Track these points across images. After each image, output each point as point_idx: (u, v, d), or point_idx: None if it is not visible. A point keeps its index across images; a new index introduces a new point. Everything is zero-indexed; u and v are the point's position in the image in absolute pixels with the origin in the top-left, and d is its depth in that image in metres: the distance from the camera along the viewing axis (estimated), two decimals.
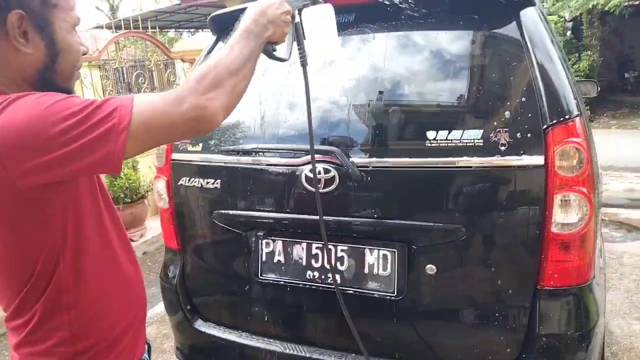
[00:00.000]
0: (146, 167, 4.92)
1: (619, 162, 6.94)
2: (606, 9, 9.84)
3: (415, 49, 1.69)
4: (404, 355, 1.71)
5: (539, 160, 1.48)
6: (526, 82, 1.53)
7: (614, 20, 11.63)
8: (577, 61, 11.02)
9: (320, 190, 1.66)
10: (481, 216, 1.57)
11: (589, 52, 11.03)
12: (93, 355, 1.03)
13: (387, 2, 1.69)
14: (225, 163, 1.88)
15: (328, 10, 1.22)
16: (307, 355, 1.81)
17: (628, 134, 9.67)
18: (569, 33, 11.60)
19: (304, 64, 1.21)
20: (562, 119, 1.48)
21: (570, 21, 12.01)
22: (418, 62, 1.68)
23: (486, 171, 1.54)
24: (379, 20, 1.74)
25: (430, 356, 1.71)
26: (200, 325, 2.04)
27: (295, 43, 1.19)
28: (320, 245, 1.77)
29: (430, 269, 1.62)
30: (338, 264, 1.74)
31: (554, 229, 1.50)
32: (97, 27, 13.76)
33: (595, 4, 9.89)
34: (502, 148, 1.50)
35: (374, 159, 1.64)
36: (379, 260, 1.69)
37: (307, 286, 1.79)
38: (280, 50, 1.15)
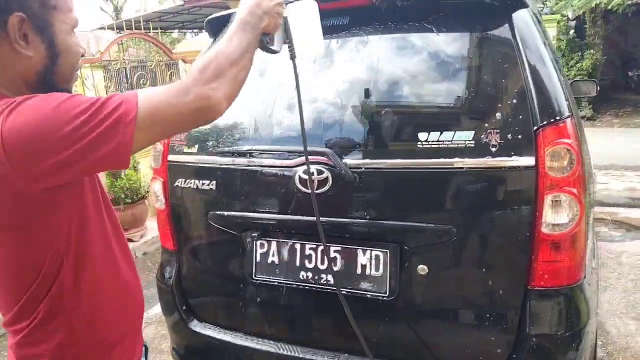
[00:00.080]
0: (147, 167, 4.94)
1: (620, 160, 6.92)
2: (609, 7, 9.80)
3: (408, 51, 1.70)
4: (396, 355, 1.72)
5: (529, 161, 1.49)
6: (517, 83, 1.54)
7: (617, 19, 11.59)
8: (580, 60, 10.99)
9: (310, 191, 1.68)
10: (472, 217, 1.58)
11: (592, 51, 11.00)
12: (91, 358, 1.05)
13: (380, 5, 1.71)
14: (220, 164, 1.90)
15: (312, 6, 1.24)
16: (301, 355, 1.82)
17: (630, 132, 9.64)
18: (572, 32, 11.55)
19: (292, 57, 1.23)
20: (552, 120, 1.49)
21: (573, 20, 11.96)
22: (411, 64, 1.69)
23: (477, 172, 1.55)
24: (373, 23, 1.75)
25: (422, 356, 1.72)
26: (196, 326, 2.06)
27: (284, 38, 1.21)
28: (314, 246, 1.78)
29: (422, 269, 1.63)
30: (331, 264, 1.75)
31: (544, 230, 1.51)
32: (100, 28, 13.82)
33: (598, 2, 9.87)
34: (493, 149, 1.51)
35: (366, 160, 1.65)
36: (371, 261, 1.70)
37: (301, 287, 1.80)
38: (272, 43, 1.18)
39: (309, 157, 1.66)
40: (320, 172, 1.67)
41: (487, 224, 1.58)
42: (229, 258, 1.97)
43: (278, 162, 1.78)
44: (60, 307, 0.99)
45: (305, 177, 1.69)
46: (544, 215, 1.50)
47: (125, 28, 5.62)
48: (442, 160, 1.56)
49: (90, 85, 4.92)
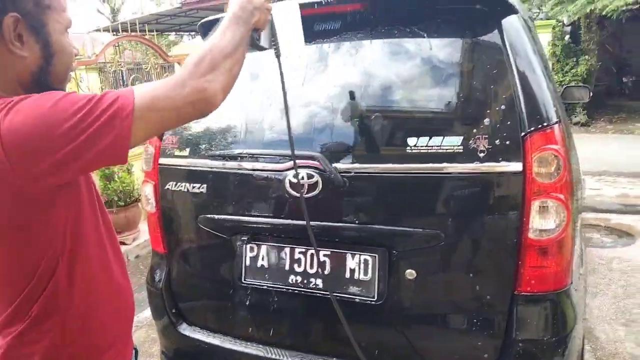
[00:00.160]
0: (140, 170, 4.93)
1: (613, 167, 6.97)
2: (604, 13, 9.87)
3: (398, 57, 1.70)
4: (384, 359, 1.72)
5: (517, 166, 1.50)
6: (506, 89, 1.55)
7: (612, 25, 11.67)
8: (575, 65, 11.06)
9: (304, 196, 1.68)
10: (460, 222, 1.58)
11: (586, 57, 11.06)
12: (83, 358, 1.05)
13: (371, 11, 1.72)
14: (211, 168, 1.90)
15: (294, 7, 1.27)
16: (290, 359, 1.82)
17: (624, 138, 9.71)
18: (567, 37, 11.62)
19: (277, 55, 1.25)
20: (540, 126, 1.50)
21: (568, 25, 12.05)
22: (401, 69, 1.69)
23: (465, 177, 1.55)
24: (363, 28, 1.76)
25: None
26: (185, 329, 2.05)
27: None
28: (303, 250, 1.79)
29: (410, 273, 1.64)
30: (320, 268, 1.75)
31: (531, 235, 1.52)
32: (96, 30, 13.81)
33: (592, 8, 9.93)
34: (482, 155, 1.52)
35: (356, 165, 1.66)
36: (360, 265, 1.71)
37: (290, 291, 1.80)
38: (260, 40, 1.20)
39: (299, 161, 1.68)
40: (310, 176, 1.68)
41: (474, 229, 1.58)
42: (218, 262, 1.97)
43: (268, 166, 1.79)
44: (54, 307, 0.98)
45: (295, 181, 1.69)
46: (531, 220, 1.51)
47: (121, 30, 5.63)
48: (430, 165, 1.56)
49: (85, 87, 4.91)
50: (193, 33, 17.62)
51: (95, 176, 3.63)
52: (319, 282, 1.76)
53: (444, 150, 1.55)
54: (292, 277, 1.80)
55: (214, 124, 1.98)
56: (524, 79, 1.53)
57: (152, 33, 6.11)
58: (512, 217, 1.53)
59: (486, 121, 1.53)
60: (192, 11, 13.97)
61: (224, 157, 1.87)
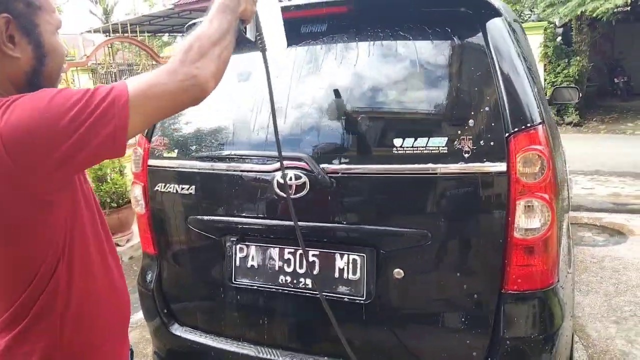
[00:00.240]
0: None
1: (605, 166, 7.02)
2: (594, 15, 9.94)
3: (383, 59, 1.72)
4: (373, 358, 1.74)
5: (501, 167, 1.51)
6: (490, 91, 1.56)
7: (604, 26, 11.74)
8: (567, 66, 11.12)
9: (292, 196, 1.69)
10: (447, 222, 1.60)
11: (578, 58, 11.13)
12: (80, 358, 1.05)
13: (356, 13, 1.73)
14: (199, 169, 1.91)
15: (275, 4, 1.28)
16: (280, 358, 1.83)
17: (616, 138, 9.77)
18: (559, 39, 11.69)
19: (263, 49, 1.26)
20: (524, 126, 1.51)
21: (560, 27, 12.12)
22: (386, 71, 1.71)
23: (451, 178, 1.57)
24: (349, 31, 1.77)
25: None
26: (177, 330, 2.06)
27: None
28: (292, 250, 1.80)
29: (398, 273, 1.65)
30: (309, 268, 1.76)
31: (516, 234, 1.53)
32: (88, 31, 13.77)
33: (583, 10, 9.99)
34: (466, 155, 1.54)
35: (343, 166, 1.67)
36: (349, 265, 1.72)
37: (280, 291, 1.81)
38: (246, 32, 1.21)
39: (287, 162, 1.69)
40: (297, 177, 1.69)
41: (461, 228, 1.60)
42: (208, 262, 1.98)
43: (256, 167, 1.80)
44: (53, 306, 0.99)
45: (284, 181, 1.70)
46: (517, 220, 1.53)
47: (112, 31, 5.62)
48: (416, 165, 1.58)
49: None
50: (185, 34, 17.60)
51: (88, 178, 3.62)
52: (309, 282, 1.77)
53: (430, 151, 1.57)
54: (281, 277, 1.81)
55: (202, 125, 1.99)
56: (508, 81, 1.55)
57: (145, 34, 6.10)
58: (497, 217, 1.55)
59: (470, 122, 1.54)
60: (184, 12, 13.97)
61: (213, 159, 1.88)
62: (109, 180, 4.58)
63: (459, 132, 1.55)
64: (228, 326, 1.97)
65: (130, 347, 1.23)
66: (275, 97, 1.81)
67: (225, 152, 1.86)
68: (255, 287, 1.86)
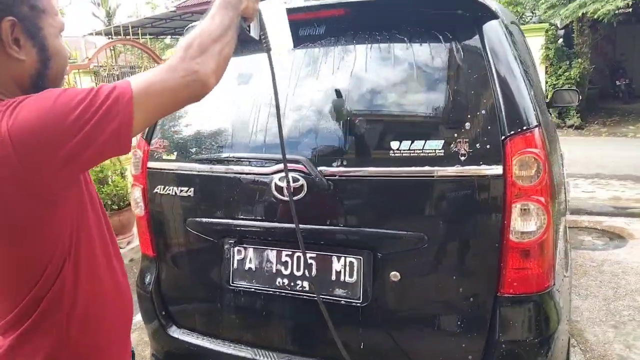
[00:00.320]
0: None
1: (606, 169, 7.02)
2: (596, 16, 9.94)
3: (380, 62, 1.72)
4: None
5: (497, 170, 1.52)
6: (486, 94, 1.57)
7: (605, 28, 11.74)
8: (568, 69, 11.12)
9: (289, 198, 1.70)
10: (443, 225, 1.60)
11: (579, 60, 11.13)
12: (85, 359, 1.06)
13: (353, 16, 1.74)
14: (198, 172, 1.92)
15: (280, 4, 1.29)
16: None
17: (617, 141, 9.76)
18: (560, 40, 11.69)
19: (268, 49, 1.26)
20: (520, 129, 1.52)
21: (561, 29, 12.12)
22: (383, 74, 1.71)
23: (447, 180, 1.57)
24: (347, 33, 1.78)
25: None
26: (174, 332, 2.07)
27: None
28: (290, 253, 1.80)
29: (395, 275, 1.66)
30: (306, 271, 1.77)
31: (512, 237, 1.54)
32: (90, 34, 13.81)
33: (584, 12, 10.00)
34: (462, 158, 1.54)
35: (340, 168, 1.68)
36: (345, 267, 1.72)
37: (277, 293, 1.82)
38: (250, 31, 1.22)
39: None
40: (295, 180, 1.70)
41: (457, 231, 1.61)
42: (207, 264, 1.99)
43: (255, 170, 1.81)
44: (59, 305, 1.00)
45: (281, 184, 1.71)
46: (513, 223, 1.53)
47: (114, 34, 5.65)
48: (413, 168, 1.59)
49: None
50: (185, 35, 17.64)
51: None
52: (306, 284, 1.78)
53: (426, 154, 1.57)
54: (279, 279, 1.82)
55: (201, 127, 2.00)
56: (504, 84, 1.55)
57: (147, 37, 6.12)
58: (494, 220, 1.55)
59: (467, 125, 1.55)
60: (186, 15, 14.02)
61: (211, 161, 1.89)
62: (110, 183, 4.59)
63: (456, 135, 1.55)
64: (226, 328, 1.97)
65: (132, 350, 1.24)
66: (274, 100, 1.83)
67: (224, 155, 1.87)
68: (253, 290, 1.86)
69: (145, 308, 2.15)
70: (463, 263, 1.62)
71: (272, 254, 1.83)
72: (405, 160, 1.59)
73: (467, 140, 1.54)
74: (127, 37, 5.58)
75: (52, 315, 1.00)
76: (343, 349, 1.59)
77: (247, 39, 1.20)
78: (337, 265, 1.74)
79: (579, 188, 6.21)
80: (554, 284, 1.64)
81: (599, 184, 6.41)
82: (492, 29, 1.65)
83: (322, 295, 1.73)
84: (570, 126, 11.19)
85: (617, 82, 13.88)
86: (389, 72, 1.70)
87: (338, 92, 1.73)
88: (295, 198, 1.69)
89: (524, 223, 1.53)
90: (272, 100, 1.80)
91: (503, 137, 1.52)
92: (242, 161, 1.84)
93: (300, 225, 1.66)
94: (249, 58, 1.91)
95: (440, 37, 1.66)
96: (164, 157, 2.01)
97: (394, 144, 1.61)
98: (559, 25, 11.79)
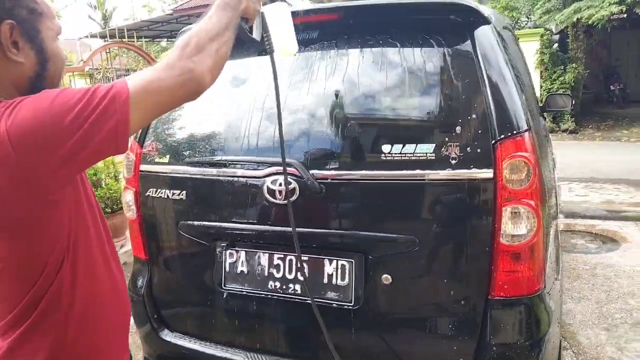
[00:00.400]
0: None
1: (600, 173, 7.05)
2: (590, 22, 10.01)
3: (373, 66, 1.73)
4: None
5: (488, 173, 1.53)
6: (477, 98, 1.58)
7: (600, 33, 11.83)
8: (563, 73, 11.19)
9: (281, 202, 1.71)
10: (434, 227, 1.61)
11: (574, 65, 11.20)
12: (84, 358, 1.06)
13: (346, 21, 1.75)
14: (190, 175, 1.92)
15: (285, 8, 1.29)
16: None
17: (611, 145, 9.82)
18: (555, 45, 11.76)
19: (270, 51, 1.26)
20: (510, 133, 1.53)
21: (557, 34, 12.20)
22: (376, 78, 1.72)
23: (438, 184, 1.58)
24: (339, 38, 1.79)
25: None
26: (167, 335, 2.06)
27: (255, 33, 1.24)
28: (282, 256, 1.80)
29: (386, 278, 1.66)
30: (299, 274, 1.77)
31: (502, 240, 1.54)
32: (86, 37, 13.80)
33: (579, 17, 10.07)
34: (453, 162, 1.55)
35: (332, 172, 1.68)
36: (337, 270, 1.73)
37: (269, 296, 1.82)
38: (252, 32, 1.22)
39: (277, 167, 1.70)
40: (287, 183, 1.69)
41: (448, 234, 1.61)
42: (199, 268, 1.99)
43: (247, 173, 1.81)
44: (58, 305, 1.00)
45: (273, 187, 1.72)
46: (503, 226, 1.54)
47: (110, 37, 5.65)
48: (404, 172, 1.59)
49: None
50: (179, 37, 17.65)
51: None
52: (298, 287, 1.78)
53: (417, 157, 1.58)
54: (271, 282, 1.82)
55: (193, 130, 2.00)
56: (495, 88, 1.56)
57: (143, 40, 6.13)
58: (484, 223, 1.56)
59: (458, 129, 1.56)
60: (183, 18, 14.02)
61: (204, 164, 1.89)
62: (103, 186, 4.58)
63: (447, 138, 1.56)
64: (218, 332, 1.97)
65: (130, 353, 1.24)
66: (267, 103, 1.83)
67: (216, 158, 1.87)
68: (245, 293, 1.86)
69: (138, 311, 2.14)
70: (454, 266, 1.63)
71: (264, 257, 1.83)
72: (397, 164, 1.60)
73: (458, 144, 1.55)
74: (123, 39, 5.57)
75: (51, 315, 1.00)
76: (335, 352, 1.59)
77: (248, 40, 1.20)
78: (329, 268, 1.74)
79: (572, 192, 6.24)
80: (545, 287, 1.65)
81: (592, 187, 6.44)
82: (484, 35, 1.66)
83: (315, 298, 1.73)
84: (565, 130, 11.24)
85: (612, 87, 13.98)
86: (381, 76, 1.71)
87: (330, 96, 1.74)
88: (286, 201, 1.70)
89: (514, 226, 1.54)
90: (265, 103, 1.83)
91: (493, 141, 1.53)
92: (234, 164, 1.84)
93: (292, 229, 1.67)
94: (241, 61, 1.91)
95: (432, 42, 1.67)
96: (157, 160, 2.01)
97: (386, 148, 1.62)
98: (554, 30, 11.86)
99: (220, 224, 1.87)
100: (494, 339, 1.60)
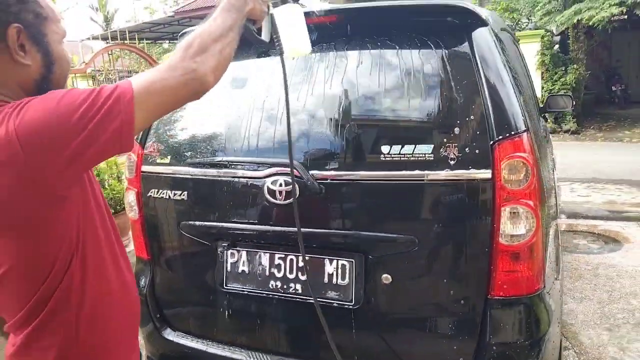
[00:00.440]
0: None
1: (602, 174, 7.05)
2: (591, 23, 10.01)
3: (371, 68, 1.74)
4: None
5: (486, 174, 1.54)
6: (476, 99, 1.59)
7: (600, 35, 11.82)
8: (564, 74, 11.19)
9: (282, 202, 1.72)
10: (434, 228, 1.62)
11: (575, 66, 11.20)
12: (94, 358, 1.08)
13: (344, 23, 1.76)
14: (192, 175, 1.93)
15: (297, 9, 1.29)
16: None
17: (613, 146, 9.81)
18: (556, 47, 11.76)
19: (280, 52, 1.26)
20: (508, 134, 1.54)
21: (557, 35, 12.20)
22: (374, 80, 1.73)
23: (437, 184, 1.59)
24: (337, 40, 1.81)
25: None
26: (169, 335, 2.08)
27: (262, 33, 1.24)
28: (283, 256, 1.82)
29: (386, 278, 1.67)
30: (299, 273, 1.78)
31: (502, 240, 1.55)
32: (88, 39, 13.84)
33: (580, 19, 10.07)
34: (452, 162, 1.56)
35: (332, 172, 1.70)
36: (337, 270, 1.74)
37: (270, 296, 1.83)
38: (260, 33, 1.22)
39: (277, 168, 1.72)
40: (288, 183, 1.71)
41: (448, 234, 1.62)
42: (201, 267, 2.00)
43: (248, 173, 1.82)
44: (68, 302, 1.02)
45: (274, 188, 1.73)
46: (502, 226, 1.55)
47: (112, 39, 5.67)
48: (403, 172, 1.60)
49: None
50: (179, 40, 17.68)
51: None
52: (299, 287, 1.79)
53: (416, 158, 1.59)
54: (272, 282, 1.83)
55: (195, 131, 2.02)
56: (493, 89, 1.58)
57: (144, 42, 6.16)
58: (483, 223, 1.57)
59: (456, 130, 1.57)
60: (185, 20, 14.06)
61: (205, 165, 1.91)
62: (106, 187, 4.60)
63: (445, 139, 1.57)
64: (220, 331, 1.98)
65: (139, 352, 1.25)
66: (267, 104, 1.85)
67: (217, 159, 1.89)
68: (246, 292, 1.87)
69: (140, 311, 2.16)
70: (454, 266, 1.64)
71: (265, 257, 1.85)
72: (396, 164, 1.61)
73: (456, 144, 1.56)
74: (124, 41, 5.59)
75: (60, 314, 1.02)
76: (336, 351, 1.60)
77: (255, 41, 1.20)
78: (329, 268, 1.75)
79: (574, 192, 6.24)
80: (544, 287, 1.65)
81: (594, 188, 6.44)
82: (482, 36, 1.67)
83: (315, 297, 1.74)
84: (567, 131, 11.24)
85: (613, 88, 13.97)
86: (380, 78, 1.72)
87: (329, 97, 1.75)
88: (287, 201, 1.71)
89: (513, 226, 1.55)
90: (265, 104, 1.84)
91: (492, 141, 1.54)
92: (235, 165, 1.86)
93: (292, 229, 1.68)
94: (242, 62, 1.93)
95: (431, 43, 1.68)
96: (158, 160, 2.03)
97: (385, 148, 1.63)
98: (554, 32, 11.87)
99: (222, 224, 1.89)
100: (494, 338, 1.61)
